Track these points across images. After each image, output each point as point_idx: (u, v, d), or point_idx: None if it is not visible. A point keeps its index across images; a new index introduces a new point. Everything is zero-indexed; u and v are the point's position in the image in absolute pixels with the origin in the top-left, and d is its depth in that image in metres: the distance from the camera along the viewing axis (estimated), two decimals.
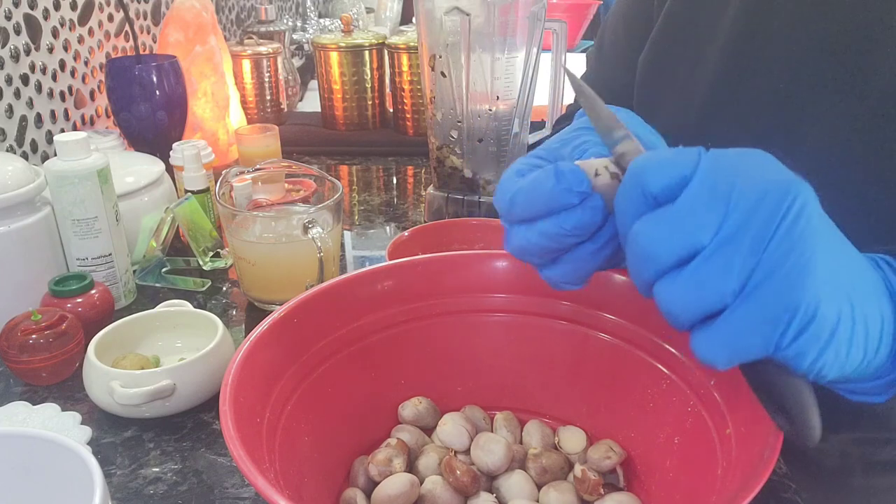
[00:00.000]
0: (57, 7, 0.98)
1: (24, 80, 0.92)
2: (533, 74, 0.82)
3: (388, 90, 1.32)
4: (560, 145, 0.43)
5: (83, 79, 1.05)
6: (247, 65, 1.29)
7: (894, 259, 0.37)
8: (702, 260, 0.31)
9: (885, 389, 0.37)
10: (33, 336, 0.62)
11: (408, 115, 1.27)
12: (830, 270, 0.31)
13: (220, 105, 1.13)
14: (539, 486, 0.48)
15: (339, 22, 1.55)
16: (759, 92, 0.54)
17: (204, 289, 0.81)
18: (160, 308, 0.69)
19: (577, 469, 0.47)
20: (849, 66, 0.50)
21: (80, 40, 1.04)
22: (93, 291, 0.69)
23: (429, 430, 0.53)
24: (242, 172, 0.77)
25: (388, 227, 0.98)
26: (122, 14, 1.14)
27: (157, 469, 0.55)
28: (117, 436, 0.58)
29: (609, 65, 0.77)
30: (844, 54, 0.50)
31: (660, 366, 0.50)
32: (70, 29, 1.01)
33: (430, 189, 0.93)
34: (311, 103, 1.56)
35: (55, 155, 0.70)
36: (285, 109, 1.38)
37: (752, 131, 0.55)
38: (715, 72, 0.57)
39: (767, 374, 0.33)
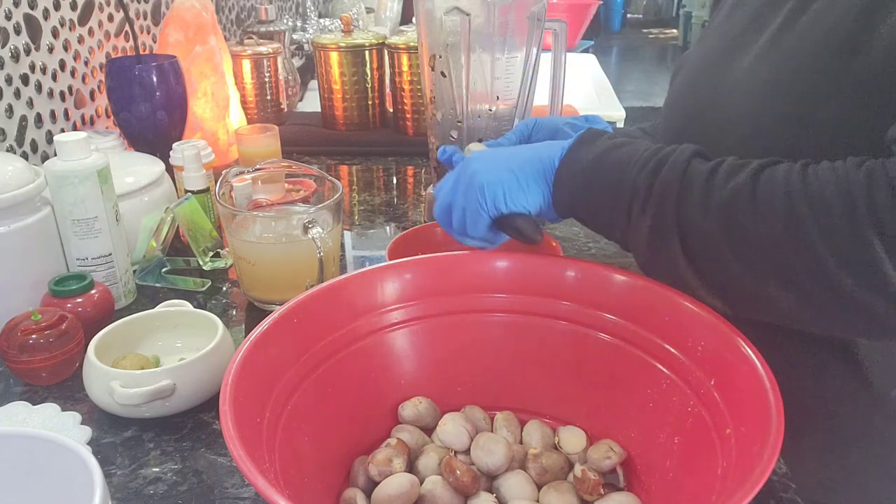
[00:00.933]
0: (57, 7, 0.98)
1: (24, 80, 0.92)
2: (533, 74, 0.82)
3: (388, 90, 1.32)
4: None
5: (83, 79, 1.05)
6: (247, 65, 1.29)
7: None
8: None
9: (557, 218, 0.58)
10: (33, 336, 0.62)
11: (408, 115, 1.27)
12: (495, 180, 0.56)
13: (220, 105, 1.13)
14: (539, 487, 0.48)
15: (339, 22, 1.55)
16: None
17: (204, 289, 0.81)
18: (160, 308, 0.69)
19: (577, 469, 0.47)
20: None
21: (80, 40, 1.04)
22: (93, 291, 0.69)
23: (429, 430, 0.53)
24: (242, 172, 0.77)
25: (388, 227, 0.98)
26: (122, 14, 1.14)
27: (157, 469, 0.55)
28: (117, 436, 0.58)
29: None
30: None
31: (660, 366, 0.50)
32: (70, 29, 1.01)
33: (430, 189, 0.93)
34: (311, 103, 1.56)
35: (55, 155, 0.70)
36: (285, 109, 1.38)
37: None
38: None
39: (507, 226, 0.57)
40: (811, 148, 0.48)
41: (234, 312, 0.77)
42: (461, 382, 0.56)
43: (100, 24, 1.09)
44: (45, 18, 0.96)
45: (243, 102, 1.29)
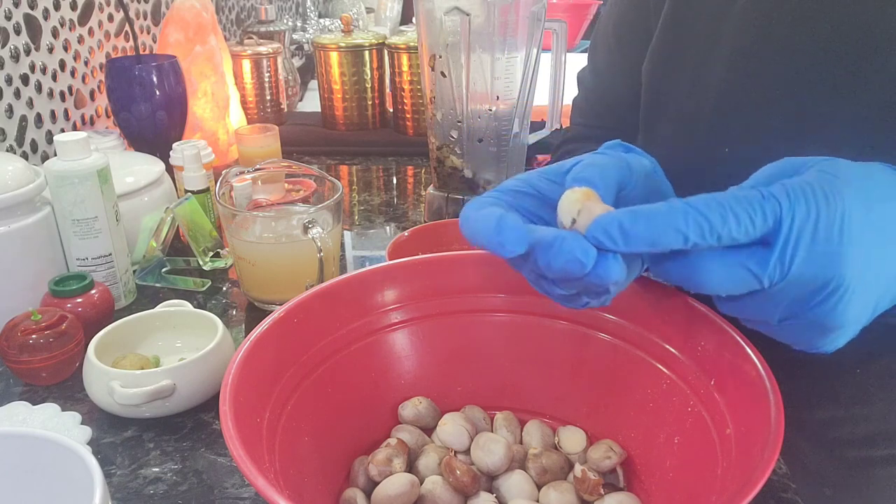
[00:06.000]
0: (57, 7, 0.98)
1: (24, 80, 0.92)
2: (533, 74, 0.82)
3: (388, 90, 1.32)
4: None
5: (83, 79, 1.05)
6: (247, 65, 1.29)
7: None
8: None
9: None
10: (33, 336, 0.62)
11: (408, 115, 1.27)
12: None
13: (220, 105, 1.13)
14: (539, 486, 0.48)
15: (339, 22, 1.55)
16: (766, 97, 0.54)
17: (204, 289, 0.81)
18: (160, 308, 0.69)
19: (577, 469, 0.47)
20: (850, 68, 0.50)
21: (80, 40, 1.04)
22: (93, 291, 0.69)
23: (429, 430, 0.53)
24: (242, 172, 0.77)
25: (388, 227, 0.98)
26: (122, 14, 1.14)
27: (157, 469, 0.55)
28: (117, 436, 0.58)
29: (606, 78, 0.76)
30: (846, 56, 0.50)
31: (660, 366, 0.50)
32: (70, 29, 1.01)
33: (430, 189, 0.93)
34: (311, 103, 1.56)
35: (55, 155, 0.70)
36: (285, 109, 1.38)
37: (760, 136, 0.55)
38: (721, 78, 0.57)
39: None
40: None
41: (234, 312, 0.77)
42: (461, 382, 0.56)
43: (100, 24, 1.09)
44: (45, 18, 0.96)
45: (243, 102, 1.29)
